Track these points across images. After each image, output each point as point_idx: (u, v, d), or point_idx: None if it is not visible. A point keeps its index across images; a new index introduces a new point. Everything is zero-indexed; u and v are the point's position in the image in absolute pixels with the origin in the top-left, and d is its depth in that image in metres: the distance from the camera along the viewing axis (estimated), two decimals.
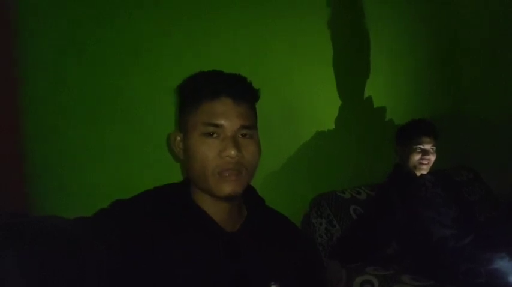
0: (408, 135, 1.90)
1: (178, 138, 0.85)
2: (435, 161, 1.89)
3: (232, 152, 0.76)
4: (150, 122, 1.41)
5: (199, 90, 0.80)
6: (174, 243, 0.75)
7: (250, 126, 0.81)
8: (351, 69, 2.21)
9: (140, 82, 1.40)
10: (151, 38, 1.43)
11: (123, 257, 0.70)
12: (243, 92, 0.81)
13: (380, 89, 2.32)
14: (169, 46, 1.47)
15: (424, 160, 1.85)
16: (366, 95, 2.28)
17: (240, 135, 0.79)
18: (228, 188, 0.77)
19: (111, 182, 1.28)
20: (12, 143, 1.11)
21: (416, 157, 1.85)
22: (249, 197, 0.89)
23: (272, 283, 0.79)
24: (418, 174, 1.89)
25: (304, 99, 1.94)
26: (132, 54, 1.38)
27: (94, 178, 1.29)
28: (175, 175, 0.92)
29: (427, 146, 1.85)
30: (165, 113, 1.37)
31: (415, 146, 1.86)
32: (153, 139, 1.40)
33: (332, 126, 2.09)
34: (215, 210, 0.81)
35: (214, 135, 0.78)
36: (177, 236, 0.76)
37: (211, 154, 0.77)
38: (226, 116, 0.78)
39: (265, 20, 1.79)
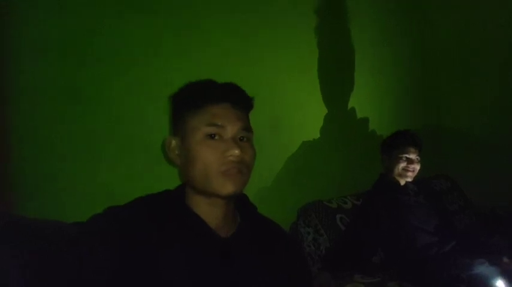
0: (394, 144, 1.95)
1: (174, 142, 0.86)
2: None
3: (236, 151, 0.78)
4: (142, 132, 1.41)
5: (202, 95, 0.83)
6: (169, 246, 0.75)
7: (248, 129, 0.85)
8: (336, 82, 2.27)
9: (132, 92, 1.41)
10: (142, 49, 1.44)
11: (120, 258, 0.70)
12: (241, 98, 0.86)
13: (364, 101, 2.39)
14: (159, 57, 1.49)
15: (409, 167, 1.90)
16: (350, 107, 2.33)
17: (239, 138, 0.82)
18: (231, 186, 0.79)
19: (102, 192, 1.28)
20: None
21: (402, 165, 1.91)
22: (241, 204, 0.91)
23: None
24: (403, 182, 1.94)
25: (291, 111, 1.97)
26: (124, 65, 1.39)
27: (85, 187, 1.28)
28: (167, 186, 0.93)
29: (412, 156, 1.91)
30: (157, 123, 1.38)
31: (400, 155, 1.91)
32: (145, 147, 1.40)
33: (318, 137, 2.13)
34: (210, 215, 0.82)
35: (216, 138, 0.80)
36: (172, 240, 0.76)
37: (214, 155, 0.79)
38: (227, 118, 0.81)
39: (255, 32, 1.83)
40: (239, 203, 0.90)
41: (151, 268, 0.72)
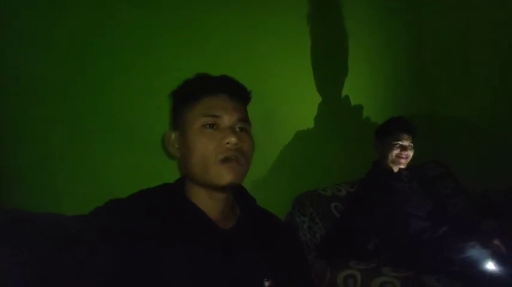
0: (388, 131, 1.97)
1: (173, 135, 0.87)
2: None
3: (233, 139, 0.79)
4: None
5: (198, 88, 0.85)
6: (170, 243, 0.76)
7: (246, 120, 0.86)
8: (330, 71, 2.27)
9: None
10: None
11: (121, 254, 0.70)
12: (238, 90, 0.87)
13: (359, 90, 2.40)
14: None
15: (403, 154, 1.93)
16: (344, 95, 2.33)
17: (237, 129, 0.84)
18: (229, 176, 0.79)
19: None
20: None
21: (395, 151, 1.93)
22: (240, 197, 0.92)
23: (265, 279, 0.81)
24: (396, 169, 1.97)
25: (284, 101, 1.98)
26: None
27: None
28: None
29: (406, 143, 1.93)
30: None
31: (394, 142, 1.93)
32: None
33: (313, 126, 2.14)
34: (210, 207, 0.83)
35: (214, 127, 0.82)
36: (174, 236, 0.77)
37: (211, 143, 0.80)
38: (225, 109, 0.83)
39: (248, 23, 1.83)
40: (238, 195, 0.92)
41: (153, 265, 0.73)
